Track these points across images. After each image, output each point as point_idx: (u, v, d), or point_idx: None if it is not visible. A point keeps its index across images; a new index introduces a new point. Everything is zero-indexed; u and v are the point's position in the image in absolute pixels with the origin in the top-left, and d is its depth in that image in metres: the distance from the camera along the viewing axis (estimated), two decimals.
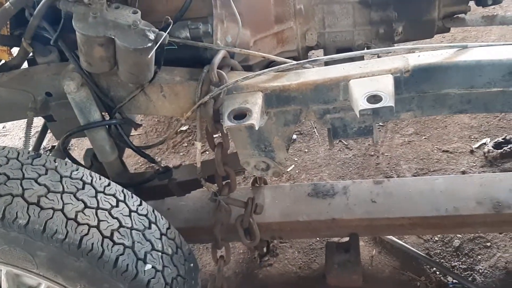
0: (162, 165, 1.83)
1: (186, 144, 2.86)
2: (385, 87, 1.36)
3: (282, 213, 1.93)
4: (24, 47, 1.53)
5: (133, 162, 2.73)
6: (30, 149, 1.67)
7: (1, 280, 1.36)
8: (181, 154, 2.79)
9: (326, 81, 1.45)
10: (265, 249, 2.19)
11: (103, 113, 1.61)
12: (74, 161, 1.70)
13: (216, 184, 1.75)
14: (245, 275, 2.14)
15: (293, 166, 2.58)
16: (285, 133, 1.61)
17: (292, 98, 1.50)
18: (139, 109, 1.65)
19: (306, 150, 2.65)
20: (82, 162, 1.81)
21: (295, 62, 1.50)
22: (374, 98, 1.32)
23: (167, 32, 1.36)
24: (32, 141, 1.80)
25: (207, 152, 2.61)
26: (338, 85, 1.45)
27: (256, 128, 1.39)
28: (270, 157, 1.64)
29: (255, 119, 1.38)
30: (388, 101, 1.30)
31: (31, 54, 1.63)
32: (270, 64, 1.71)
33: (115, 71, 1.47)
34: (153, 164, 2.16)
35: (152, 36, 1.35)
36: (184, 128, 2.96)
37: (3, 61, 1.72)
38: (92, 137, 1.62)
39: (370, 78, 1.41)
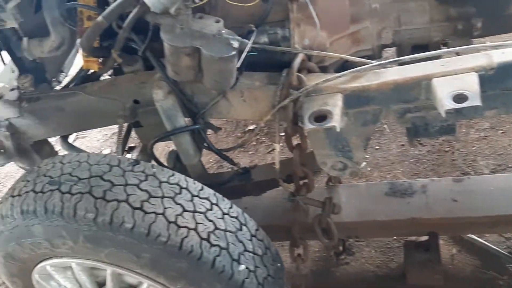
0: (241, 167, 1.88)
1: (254, 143, 2.91)
2: (471, 85, 1.33)
3: (359, 212, 1.93)
4: (114, 58, 1.62)
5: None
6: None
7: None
8: (250, 153, 2.85)
9: (407, 80, 1.44)
10: (341, 248, 2.21)
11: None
12: (160, 163, 1.79)
13: (293, 184, 1.79)
14: (322, 273, 2.17)
15: (364, 163, 2.57)
16: (363, 133, 1.61)
17: (372, 98, 1.50)
18: (220, 114, 1.71)
19: (378, 147, 2.62)
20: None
21: (376, 62, 1.50)
22: (459, 97, 1.30)
23: (251, 41, 1.40)
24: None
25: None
26: (419, 84, 1.43)
27: (338, 130, 1.40)
28: (348, 157, 1.65)
29: (337, 121, 1.40)
30: (474, 100, 1.28)
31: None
32: (344, 64, 1.73)
33: (199, 78, 1.54)
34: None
35: (236, 44, 1.40)
36: (252, 127, 3.03)
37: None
38: (177, 141, 1.70)
39: (454, 77, 1.38)
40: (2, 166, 1.98)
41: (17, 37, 1.68)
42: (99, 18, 1.50)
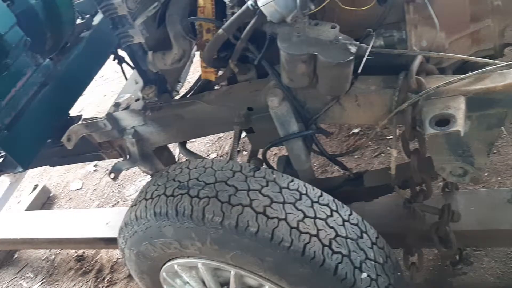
0: (352, 172, 1.86)
1: (360, 147, 2.86)
2: None
3: (479, 220, 1.82)
4: (231, 67, 1.69)
5: None
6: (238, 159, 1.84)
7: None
8: (355, 157, 2.81)
9: None
10: (458, 257, 2.10)
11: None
12: (271, 168, 1.83)
13: (409, 191, 1.74)
14: (437, 283, 2.07)
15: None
16: (487, 137, 1.52)
17: (497, 100, 1.41)
18: (333, 119, 1.70)
19: (495, 151, 2.45)
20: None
21: (503, 63, 1.41)
22: None
23: (370, 45, 1.39)
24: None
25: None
26: None
27: (462, 135, 1.34)
28: (469, 163, 1.56)
29: (460, 125, 1.34)
30: None
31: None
32: (463, 65, 1.64)
33: (313, 84, 1.55)
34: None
35: (353, 49, 1.39)
36: (356, 130, 2.98)
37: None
38: (290, 147, 1.73)
39: None
40: (127, 170, 2.15)
41: (142, 51, 1.81)
42: (220, 31, 1.57)
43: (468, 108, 1.43)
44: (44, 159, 2.25)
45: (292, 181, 1.44)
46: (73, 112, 2.16)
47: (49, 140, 2.02)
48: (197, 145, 3.49)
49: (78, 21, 2.29)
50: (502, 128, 2.54)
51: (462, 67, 1.65)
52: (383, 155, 2.68)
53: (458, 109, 1.39)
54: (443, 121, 1.38)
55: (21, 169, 1.93)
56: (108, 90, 4.60)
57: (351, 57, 1.40)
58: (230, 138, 3.48)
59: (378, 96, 1.56)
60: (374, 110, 1.60)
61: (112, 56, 2.64)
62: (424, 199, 1.70)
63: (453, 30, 1.58)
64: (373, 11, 1.51)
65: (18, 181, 2.93)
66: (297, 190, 1.40)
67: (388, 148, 2.70)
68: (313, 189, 1.45)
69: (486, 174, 2.37)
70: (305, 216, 1.34)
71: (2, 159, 2.20)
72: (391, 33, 1.57)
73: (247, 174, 1.42)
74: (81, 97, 4.66)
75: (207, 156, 3.36)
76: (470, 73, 1.43)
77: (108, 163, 3.59)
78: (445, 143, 1.53)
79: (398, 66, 1.55)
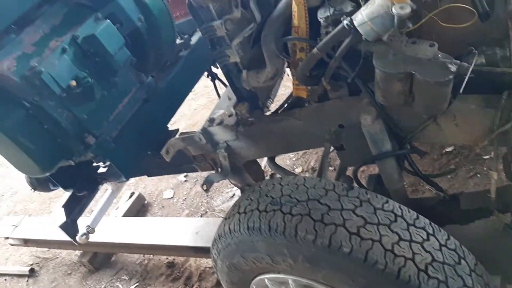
0: (449, 193, 1.79)
1: (453, 166, 2.73)
2: None
3: None
4: (324, 85, 1.70)
5: None
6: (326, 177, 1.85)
7: None
8: (448, 177, 2.68)
9: None
10: None
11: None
12: (362, 187, 1.81)
13: (510, 215, 1.63)
14: None
15: None
16: None
17: None
18: (428, 138, 1.66)
19: None
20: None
21: None
22: None
23: (473, 64, 1.34)
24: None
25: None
26: None
27: None
28: None
29: None
30: None
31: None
32: None
33: (408, 103, 1.52)
34: None
35: (453, 68, 1.35)
36: (449, 149, 2.85)
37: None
38: (382, 166, 1.70)
39: None
40: (218, 182, 2.23)
41: (237, 69, 1.89)
42: (314, 50, 1.59)
43: None
44: (143, 169, 2.42)
45: (386, 202, 1.42)
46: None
47: (149, 152, 2.16)
48: (282, 159, 3.52)
49: (178, 41, 2.44)
50: None
51: None
52: (478, 176, 2.53)
53: None
54: None
55: (124, 179, 2.08)
56: (198, 104, 4.81)
57: (451, 76, 1.35)
58: (316, 153, 3.47)
59: (478, 116, 1.50)
60: (473, 130, 1.53)
61: (205, 73, 2.78)
62: None
63: None
64: (474, 28, 1.45)
65: (119, 189, 3.14)
66: (392, 211, 1.38)
67: (485, 168, 2.55)
68: (409, 211, 1.41)
69: None
70: (400, 239, 1.31)
71: (106, 168, 2.39)
72: (494, 51, 1.50)
73: (340, 193, 1.42)
74: None
75: (293, 170, 3.39)
76: None
77: (197, 174, 3.74)
78: None
79: (502, 85, 1.47)
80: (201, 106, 4.77)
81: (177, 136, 2.11)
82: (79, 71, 1.82)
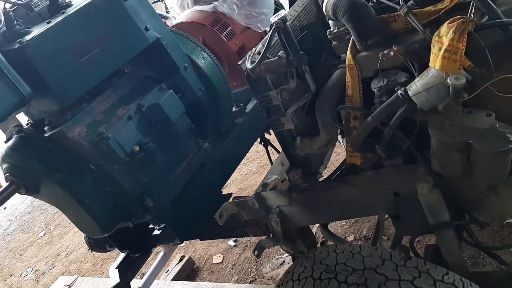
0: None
1: None
2: None
3: None
4: (379, 153, 1.71)
5: None
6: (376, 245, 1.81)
7: None
8: (511, 249, 2.54)
9: None
10: None
11: None
12: (420, 258, 1.75)
13: None
14: None
15: None
16: None
17: None
18: (488, 209, 1.61)
19: None
20: None
21: None
22: None
23: None
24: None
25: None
26: None
27: None
28: None
29: None
30: None
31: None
32: None
33: (466, 172, 1.50)
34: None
35: None
36: (510, 220, 2.72)
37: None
38: (440, 236, 1.65)
39: None
40: (269, 248, 2.23)
41: (291, 136, 1.94)
42: (369, 119, 1.63)
43: None
44: (195, 232, 2.45)
45: (447, 273, 1.37)
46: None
47: (203, 216, 2.20)
48: (334, 226, 3.47)
49: (234, 108, 2.55)
50: None
51: None
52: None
53: None
54: None
55: (178, 242, 2.13)
56: (249, 168, 4.88)
57: (510, 146, 1.34)
58: (368, 221, 3.40)
59: None
60: None
61: (258, 139, 2.86)
62: None
63: None
64: None
65: (171, 252, 3.18)
66: (452, 284, 1.32)
67: None
68: (471, 284, 1.35)
69: None
70: None
71: (160, 231, 2.45)
72: None
73: (397, 263, 1.39)
74: None
75: (345, 238, 3.32)
76: None
77: (246, 240, 3.73)
78: None
79: None
80: (252, 171, 4.84)
81: (230, 200, 2.15)
82: (142, 137, 1.94)
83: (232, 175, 4.84)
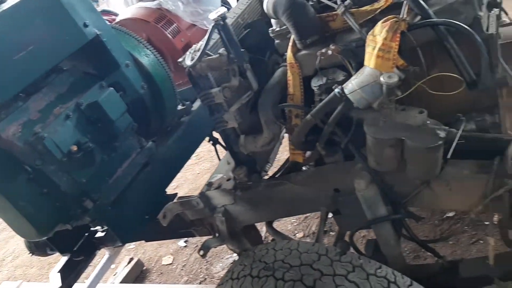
0: (446, 260, 1.76)
1: (455, 232, 2.69)
2: None
3: None
4: (319, 150, 1.74)
5: None
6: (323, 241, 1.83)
7: None
8: (450, 243, 2.64)
9: None
10: None
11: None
12: (359, 252, 1.79)
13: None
14: None
15: None
16: None
17: None
18: (423, 203, 1.66)
19: None
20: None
21: None
22: None
23: (460, 130, 1.37)
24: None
25: None
26: None
27: None
28: None
29: None
30: None
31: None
32: None
33: (401, 168, 1.54)
34: None
35: (442, 134, 1.39)
36: (450, 214, 2.83)
37: None
38: (378, 230, 1.69)
39: None
40: (215, 247, 2.21)
41: (235, 134, 1.93)
42: (308, 117, 1.64)
43: None
44: (140, 234, 2.40)
45: (379, 267, 1.40)
46: (169, 188, 2.31)
47: (146, 216, 2.16)
48: (283, 223, 3.49)
49: (179, 107, 2.51)
50: None
51: None
52: (481, 242, 2.49)
53: None
54: None
55: (120, 243, 2.07)
56: (201, 168, 4.84)
57: (440, 142, 1.39)
58: (317, 218, 3.45)
59: (471, 181, 1.51)
60: (467, 196, 1.54)
61: (207, 138, 2.83)
62: None
63: None
64: (464, 96, 1.50)
65: (116, 254, 3.11)
66: (385, 277, 1.36)
67: (485, 235, 2.52)
68: (402, 278, 1.39)
69: None
70: None
71: (104, 233, 2.39)
72: (483, 117, 1.55)
73: (333, 258, 1.41)
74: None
75: (294, 235, 3.35)
76: None
77: (198, 240, 3.70)
78: None
79: (494, 150, 1.50)
80: (205, 170, 4.80)
81: (175, 200, 2.12)
82: (81, 136, 1.88)
83: (184, 175, 4.82)
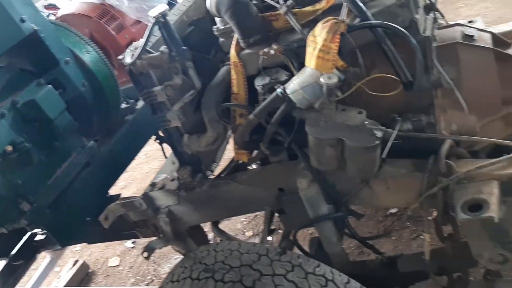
0: (386, 256, 1.81)
1: (397, 228, 2.78)
2: None
3: None
4: (263, 150, 1.74)
5: None
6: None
7: None
8: (393, 238, 2.72)
9: None
10: None
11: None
12: (302, 250, 1.81)
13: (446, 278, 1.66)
14: None
15: None
16: None
17: None
18: (363, 201, 1.70)
19: None
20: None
21: None
22: None
23: (396, 131, 1.41)
24: None
25: None
26: None
27: (496, 221, 1.30)
28: (509, 249, 1.49)
29: (494, 211, 1.30)
30: None
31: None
32: (498, 147, 1.62)
33: (342, 167, 1.56)
34: None
35: (379, 134, 1.42)
36: (393, 211, 2.91)
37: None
38: (320, 229, 1.72)
39: None
40: (160, 249, 2.17)
41: (179, 134, 1.90)
42: (251, 116, 1.64)
43: (504, 193, 1.39)
44: (81, 236, 2.32)
45: (318, 266, 1.42)
46: (117, 188, 2.25)
47: (88, 218, 2.09)
48: (233, 223, 3.49)
49: (123, 105, 2.45)
50: None
51: (497, 150, 1.62)
52: (421, 237, 2.58)
53: (491, 194, 1.36)
54: (476, 206, 1.35)
55: (59, 247, 2.00)
56: (150, 167, 4.76)
57: (377, 142, 1.42)
58: None
59: (408, 180, 1.56)
60: (404, 194, 1.58)
61: (154, 136, 2.77)
62: (462, 287, 1.62)
63: (484, 114, 1.59)
64: (401, 96, 1.54)
65: (58, 257, 3.00)
66: (323, 276, 1.38)
67: (422, 231, 2.61)
68: (340, 275, 1.41)
69: None
70: None
71: (44, 236, 2.29)
72: (419, 118, 1.59)
73: (273, 258, 1.41)
74: (125, 174, 4.79)
75: (243, 234, 3.35)
76: (502, 157, 1.42)
77: (145, 240, 3.61)
78: (481, 229, 1.48)
79: (430, 149, 1.55)
80: (154, 169, 4.71)
81: (117, 201, 2.06)
82: (16, 136, 1.79)
83: (132, 174, 4.72)
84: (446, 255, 1.59)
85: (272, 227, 2.17)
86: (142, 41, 1.69)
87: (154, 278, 3.30)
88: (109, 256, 3.72)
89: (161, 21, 1.60)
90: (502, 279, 1.88)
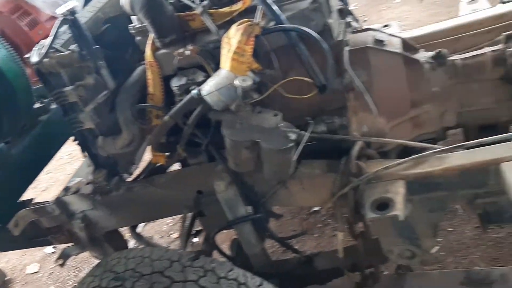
0: (304, 254, 1.84)
1: (320, 225, 2.85)
2: None
3: None
4: (179, 152, 1.71)
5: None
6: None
7: None
8: (315, 235, 2.79)
9: (474, 165, 1.39)
10: None
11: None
12: (222, 253, 1.80)
13: (359, 274, 1.72)
14: None
15: (437, 248, 2.41)
16: (431, 220, 1.55)
17: (437, 184, 1.45)
18: (281, 202, 1.72)
19: (451, 229, 2.46)
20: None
21: (439, 147, 1.47)
22: None
23: (308, 133, 1.43)
24: None
25: None
26: (487, 169, 1.37)
27: (401, 219, 1.36)
28: (416, 245, 1.57)
29: (399, 209, 1.36)
30: None
31: None
32: (407, 148, 1.70)
33: (259, 169, 1.57)
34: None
35: (293, 136, 1.44)
36: (317, 208, 2.98)
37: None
38: (239, 230, 1.71)
39: None
40: (76, 255, 2.08)
41: (93, 136, 1.83)
42: (166, 117, 1.61)
43: (410, 191, 1.46)
44: None
45: (231, 270, 1.41)
46: (37, 190, 2.13)
47: None
48: (159, 224, 3.42)
49: (37, 105, 2.32)
50: (458, 206, 2.57)
51: (406, 151, 1.69)
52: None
53: (397, 193, 1.42)
54: (383, 204, 1.40)
55: None
56: (74, 168, 4.54)
57: (291, 144, 1.44)
58: None
59: (322, 180, 1.59)
60: (319, 193, 1.62)
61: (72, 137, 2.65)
62: (374, 283, 1.68)
63: (393, 116, 1.66)
64: (316, 99, 1.57)
65: None
66: (235, 279, 1.37)
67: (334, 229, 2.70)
68: (253, 278, 1.42)
69: (443, 253, 2.36)
70: None
71: None
72: (333, 120, 1.63)
73: (185, 264, 1.39)
74: (46, 175, 4.52)
75: (169, 236, 3.30)
76: (407, 158, 1.48)
77: (66, 246, 3.48)
78: (390, 226, 1.54)
79: (343, 150, 1.59)
80: None
81: (28, 207, 1.95)
82: None
83: (55, 176, 4.49)
84: (359, 252, 1.64)
85: (199, 228, 2.14)
86: (49, 39, 1.60)
87: (75, 284, 3.17)
88: (28, 262, 3.52)
89: (69, 19, 1.52)
90: (412, 272, 1.99)
